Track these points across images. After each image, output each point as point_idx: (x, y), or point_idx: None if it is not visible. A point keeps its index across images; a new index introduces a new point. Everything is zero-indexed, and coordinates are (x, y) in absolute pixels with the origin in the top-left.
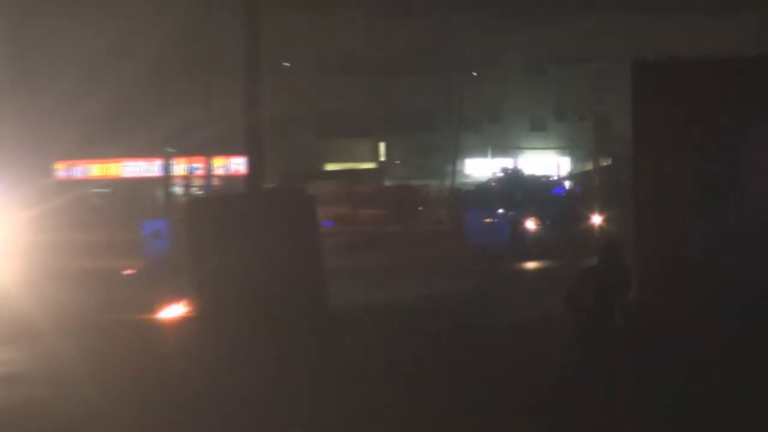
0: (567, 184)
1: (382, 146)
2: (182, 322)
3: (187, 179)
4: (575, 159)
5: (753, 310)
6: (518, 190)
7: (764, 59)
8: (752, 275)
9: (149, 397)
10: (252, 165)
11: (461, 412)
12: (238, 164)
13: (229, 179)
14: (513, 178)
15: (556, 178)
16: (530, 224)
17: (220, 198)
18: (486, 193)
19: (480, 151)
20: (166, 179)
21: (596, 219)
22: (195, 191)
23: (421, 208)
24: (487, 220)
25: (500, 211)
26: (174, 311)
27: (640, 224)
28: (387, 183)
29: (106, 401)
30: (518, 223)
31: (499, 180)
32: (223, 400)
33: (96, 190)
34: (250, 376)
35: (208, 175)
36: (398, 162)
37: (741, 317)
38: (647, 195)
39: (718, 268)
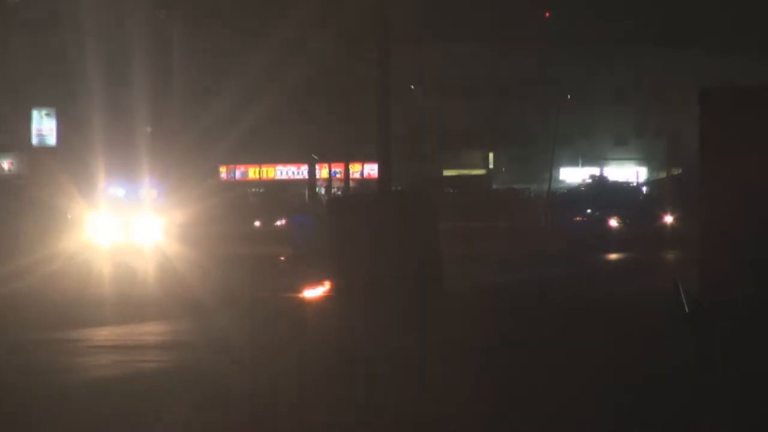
0: (644, 189)
1: (491, 156)
2: (324, 300)
3: (329, 181)
4: (652, 169)
5: None
6: (604, 194)
7: None
8: None
9: (296, 360)
10: (382, 170)
11: (562, 378)
12: (371, 170)
13: (363, 182)
14: (599, 183)
15: (635, 184)
16: (614, 222)
17: (356, 197)
18: (577, 196)
19: (572, 160)
20: (312, 181)
21: (668, 219)
22: (335, 192)
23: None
24: (578, 219)
25: (588, 211)
26: (317, 291)
27: (704, 223)
28: (494, 186)
29: (260, 365)
30: (603, 222)
31: (587, 185)
32: (353, 362)
33: (253, 189)
34: (377, 343)
35: (347, 178)
36: (503, 169)
37: None
38: (711, 199)
39: None
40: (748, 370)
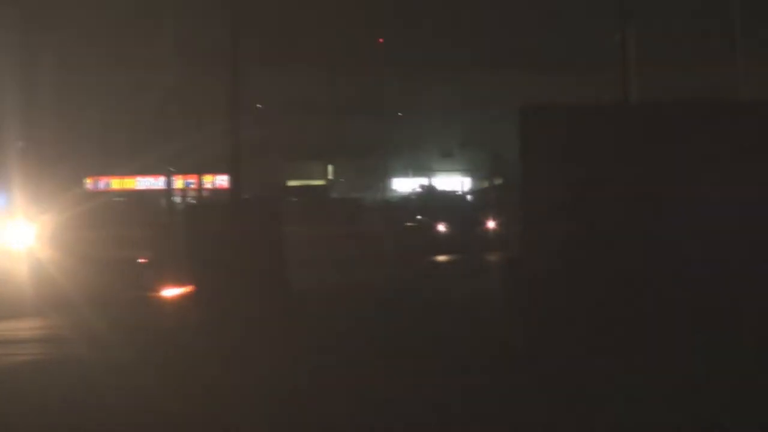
0: (469, 197)
1: (330, 168)
2: (181, 299)
3: (184, 191)
4: (475, 179)
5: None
6: (432, 202)
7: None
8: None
9: (159, 352)
10: (233, 181)
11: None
12: (222, 180)
13: (215, 191)
14: (429, 192)
15: (461, 192)
16: (441, 227)
17: (208, 205)
18: (408, 204)
19: (403, 171)
20: (168, 191)
21: (491, 223)
22: (189, 200)
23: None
24: (409, 224)
25: (418, 217)
26: (175, 290)
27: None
28: (333, 195)
29: (126, 357)
30: (431, 227)
31: (417, 194)
32: (211, 352)
33: (115, 198)
34: (230, 336)
35: (200, 188)
36: (342, 180)
37: None
38: (529, 205)
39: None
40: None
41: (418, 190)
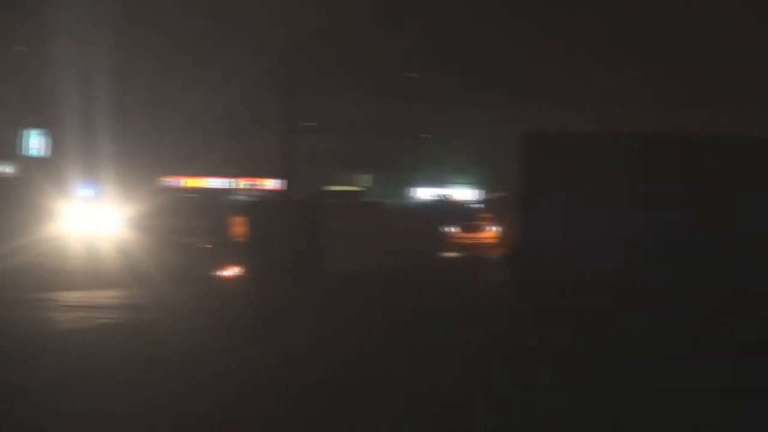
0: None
1: (367, 177)
2: (239, 278)
3: (245, 190)
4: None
5: None
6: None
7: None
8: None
9: (211, 319)
10: (286, 184)
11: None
12: (277, 183)
13: (272, 192)
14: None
15: (468, 201)
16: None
17: (266, 203)
18: (426, 209)
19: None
20: (231, 190)
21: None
22: (250, 198)
23: None
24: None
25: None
26: (236, 271)
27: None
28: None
29: (192, 323)
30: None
31: (435, 201)
32: (254, 319)
33: (187, 194)
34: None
35: (258, 189)
36: (374, 186)
37: None
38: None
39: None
40: None
41: (436, 197)
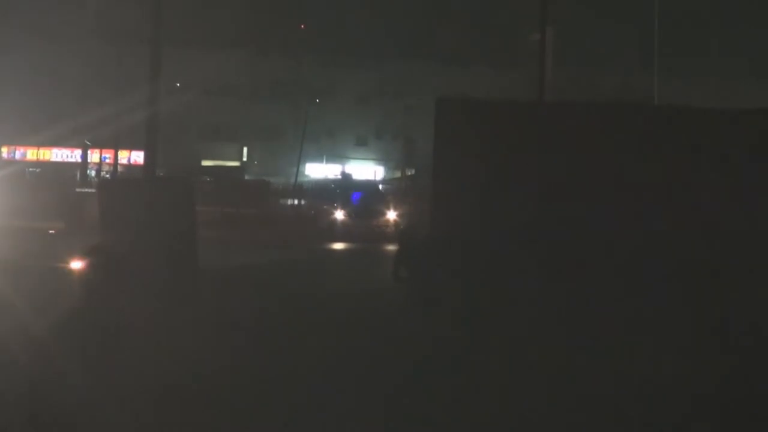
0: (381, 186)
1: (245, 150)
2: (89, 270)
3: (99, 165)
4: (388, 168)
5: None
6: (349, 188)
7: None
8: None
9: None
10: (148, 158)
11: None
12: (138, 156)
13: (130, 167)
14: (346, 179)
15: (374, 181)
16: (339, 215)
17: (123, 180)
18: (324, 188)
19: (317, 157)
20: (84, 164)
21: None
22: (104, 174)
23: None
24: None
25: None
26: (84, 262)
27: (434, 214)
28: (247, 177)
29: (31, 318)
30: (330, 214)
31: (335, 180)
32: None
33: (30, 169)
34: (136, 309)
35: (115, 163)
36: (256, 162)
37: None
38: (441, 194)
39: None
40: None
41: (338, 177)
